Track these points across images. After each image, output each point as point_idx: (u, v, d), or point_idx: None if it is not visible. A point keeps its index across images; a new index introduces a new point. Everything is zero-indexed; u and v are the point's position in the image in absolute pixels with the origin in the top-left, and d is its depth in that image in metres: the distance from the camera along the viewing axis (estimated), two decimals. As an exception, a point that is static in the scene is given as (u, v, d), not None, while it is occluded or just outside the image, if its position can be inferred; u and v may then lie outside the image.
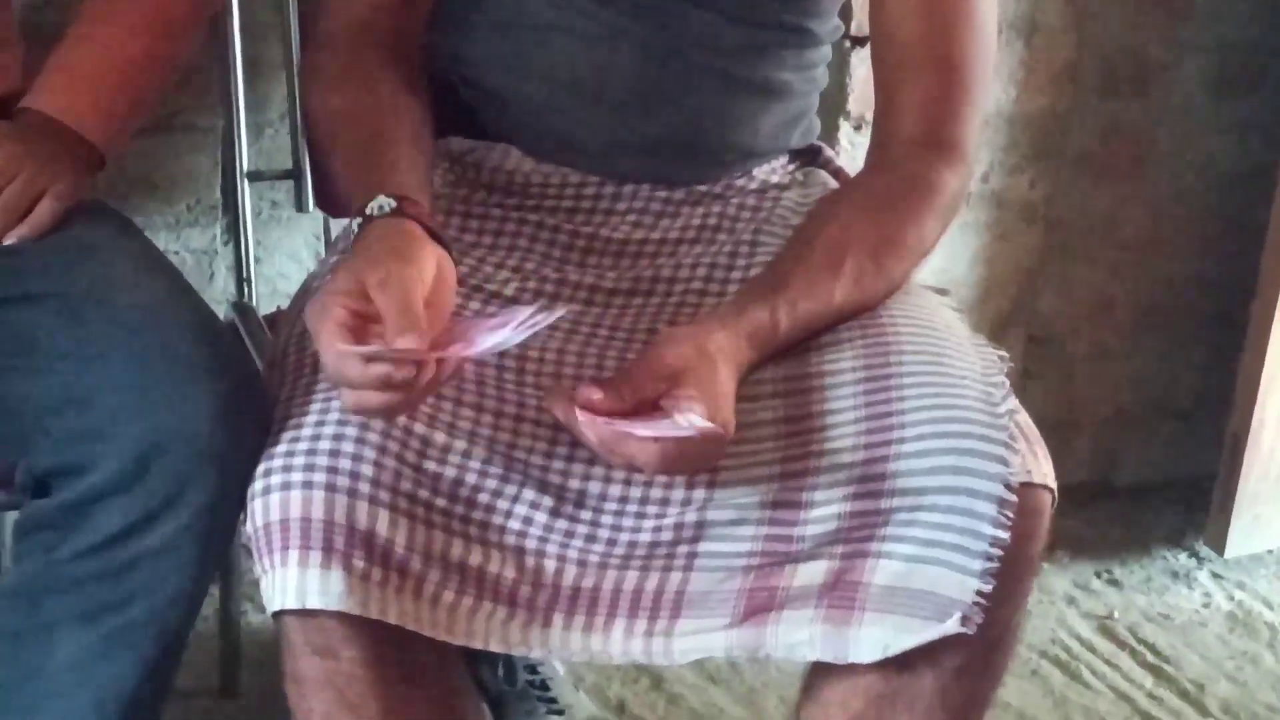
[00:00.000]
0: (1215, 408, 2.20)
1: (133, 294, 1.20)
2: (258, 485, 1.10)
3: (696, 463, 1.12)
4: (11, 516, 1.29)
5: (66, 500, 1.14)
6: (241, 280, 1.64)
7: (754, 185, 1.37)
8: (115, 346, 1.14)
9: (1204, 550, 2.19)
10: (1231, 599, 2.11)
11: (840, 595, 1.11)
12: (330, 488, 1.08)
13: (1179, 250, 2.22)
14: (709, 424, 1.08)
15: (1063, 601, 2.06)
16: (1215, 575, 2.15)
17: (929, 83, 1.28)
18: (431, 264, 1.10)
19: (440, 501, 1.12)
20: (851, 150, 1.93)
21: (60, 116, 1.31)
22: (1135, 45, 2.10)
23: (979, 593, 1.09)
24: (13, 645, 1.17)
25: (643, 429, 1.08)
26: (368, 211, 1.14)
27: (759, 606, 1.12)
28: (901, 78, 1.29)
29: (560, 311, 1.12)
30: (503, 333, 1.07)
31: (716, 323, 1.18)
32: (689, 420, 1.08)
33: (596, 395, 1.11)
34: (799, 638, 1.12)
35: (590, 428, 1.10)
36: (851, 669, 1.13)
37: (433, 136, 1.28)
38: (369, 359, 1.04)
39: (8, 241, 1.24)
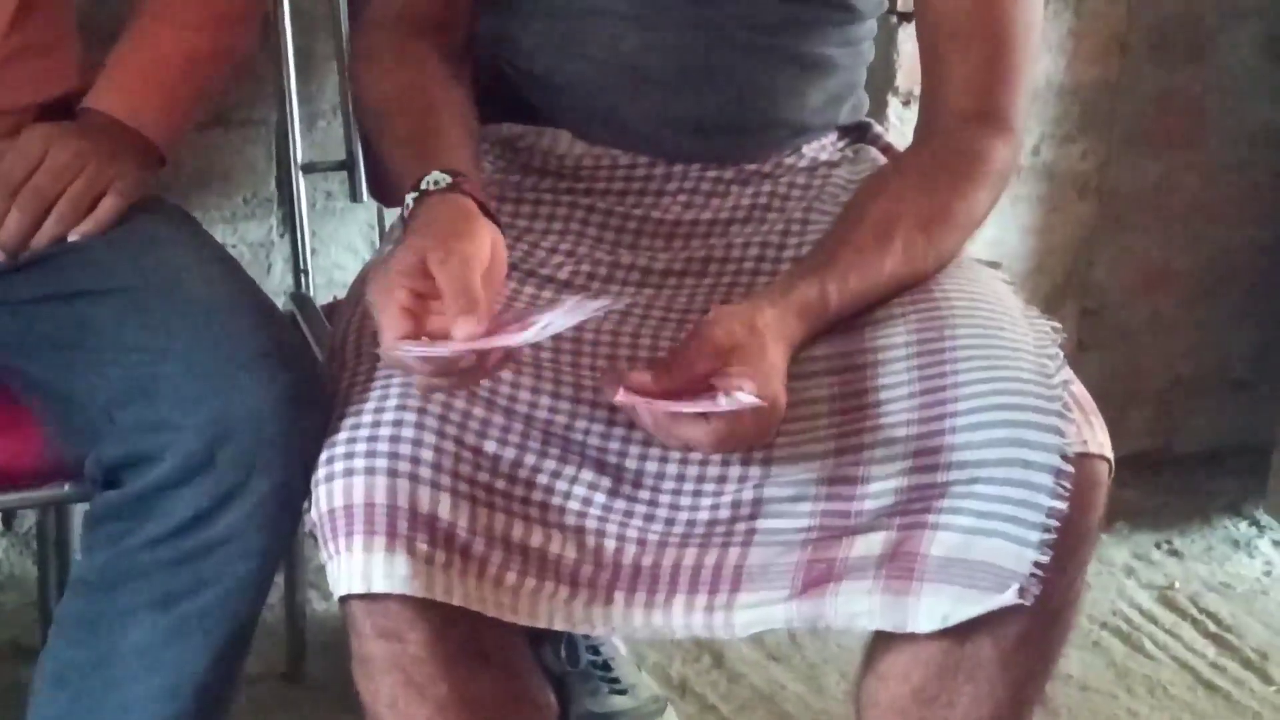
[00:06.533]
0: (1273, 375, 2.18)
1: (196, 286, 1.22)
2: (321, 472, 1.12)
3: (751, 439, 1.12)
4: (81, 508, 1.32)
5: (135, 491, 1.16)
6: (298, 271, 1.66)
7: (804, 163, 1.37)
8: (180, 338, 1.16)
9: (1265, 518, 2.17)
10: (1293, 567, 2.10)
11: (899, 566, 1.12)
12: (392, 473, 1.10)
13: (1233, 218, 2.20)
14: (755, 398, 1.09)
15: (1123, 572, 2.05)
16: (1276, 543, 2.14)
17: (975, 55, 1.28)
18: (488, 241, 1.12)
19: (500, 484, 1.14)
20: (900, 126, 1.92)
21: (120, 115, 1.33)
22: (1186, 11, 2.08)
23: (1036, 564, 1.09)
24: (86, 632, 1.20)
25: (691, 406, 1.09)
26: (423, 186, 1.15)
27: (818, 578, 1.13)
28: (948, 51, 1.29)
29: (609, 301, 1.13)
30: (552, 315, 1.08)
31: (765, 300, 1.18)
32: (737, 397, 1.09)
33: (645, 378, 1.12)
34: (859, 608, 1.12)
35: (643, 410, 1.11)
36: (912, 641, 1.14)
37: (478, 119, 1.30)
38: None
39: (73, 238, 1.26)
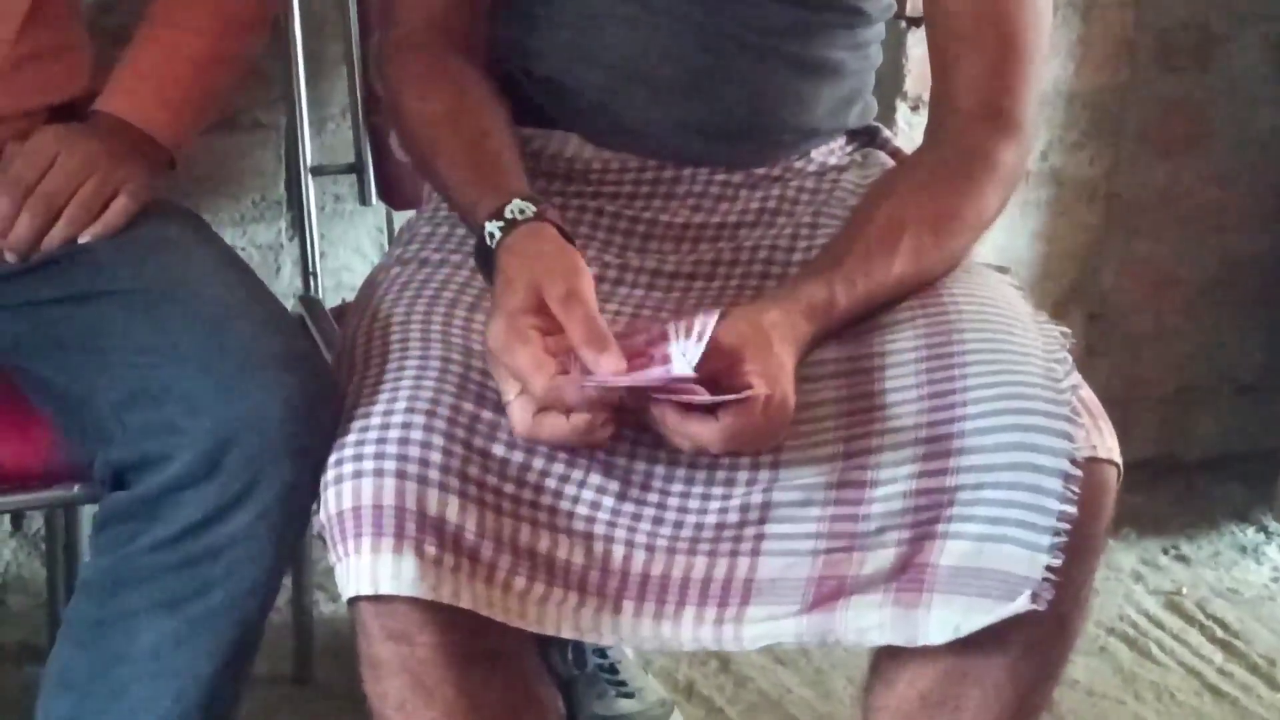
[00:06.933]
0: (1280, 381, 2.18)
1: (205, 289, 1.22)
2: (330, 474, 1.12)
3: (761, 437, 1.12)
4: (90, 509, 1.32)
5: (144, 493, 1.16)
6: (307, 274, 1.67)
7: (812, 167, 1.37)
8: (189, 340, 1.17)
9: (1272, 524, 2.17)
10: (1301, 573, 2.10)
11: (909, 578, 1.12)
12: (400, 475, 1.10)
13: (1240, 223, 2.20)
14: (762, 389, 1.09)
15: (1130, 578, 2.05)
16: (1284, 549, 2.14)
17: (984, 57, 1.28)
18: (589, 272, 1.13)
19: (508, 487, 1.14)
20: (909, 131, 1.93)
21: (130, 119, 1.33)
22: (1194, 18, 2.09)
23: (1048, 568, 1.09)
24: (95, 634, 1.20)
25: (698, 398, 1.09)
26: (508, 215, 1.17)
27: (828, 594, 1.13)
28: (957, 53, 1.29)
29: (716, 314, 1.12)
30: (678, 345, 1.09)
31: (771, 301, 1.18)
32: (745, 393, 1.08)
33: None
34: (869, 622, 1.12)
35: (655, 409, 1.11)
36: (920, 648, 1.13)
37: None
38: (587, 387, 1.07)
39: (83, 240, 1.27)
